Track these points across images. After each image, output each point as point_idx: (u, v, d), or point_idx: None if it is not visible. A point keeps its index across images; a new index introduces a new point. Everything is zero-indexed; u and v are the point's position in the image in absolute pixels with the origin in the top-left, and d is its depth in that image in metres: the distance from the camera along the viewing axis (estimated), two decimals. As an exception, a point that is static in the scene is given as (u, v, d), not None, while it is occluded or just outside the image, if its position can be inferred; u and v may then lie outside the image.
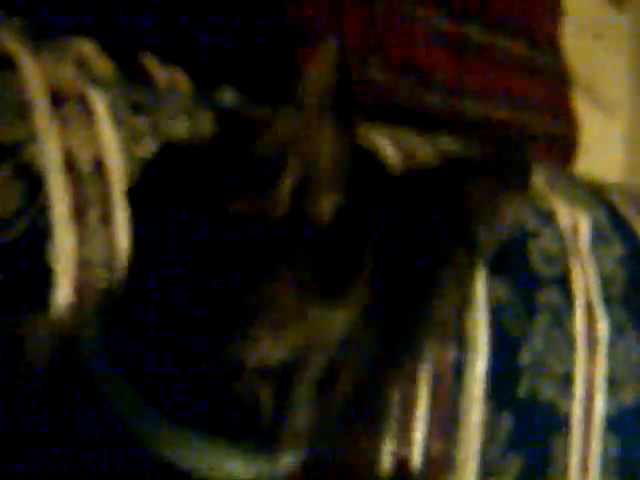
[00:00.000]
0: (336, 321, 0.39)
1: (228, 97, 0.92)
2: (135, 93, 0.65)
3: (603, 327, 0.84)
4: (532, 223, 0.83)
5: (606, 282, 0.86)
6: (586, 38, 1.67)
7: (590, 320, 0.84)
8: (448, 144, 1.13)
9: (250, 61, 1.02)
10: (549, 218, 0.85)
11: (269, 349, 0.39)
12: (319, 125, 0.40)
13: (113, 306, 0.42)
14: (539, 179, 0.90)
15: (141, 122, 0.63)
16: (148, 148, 0.62)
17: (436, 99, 1.18)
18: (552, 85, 1.35)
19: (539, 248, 0.82)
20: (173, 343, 0.40)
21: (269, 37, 1.04)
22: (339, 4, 1.08)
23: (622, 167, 1.76)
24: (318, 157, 0.40)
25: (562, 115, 1.35)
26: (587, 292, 0.84)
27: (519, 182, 0.44)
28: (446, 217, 0.42)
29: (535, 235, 0.83)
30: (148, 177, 0.43)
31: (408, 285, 0.41)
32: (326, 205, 0.40)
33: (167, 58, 0.90)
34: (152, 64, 0.88)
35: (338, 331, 0.39)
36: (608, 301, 0.86)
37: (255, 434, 0.40)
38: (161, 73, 0.87)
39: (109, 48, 0.84)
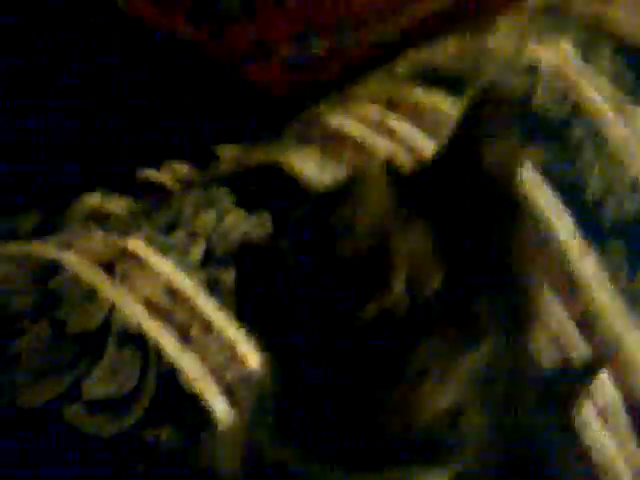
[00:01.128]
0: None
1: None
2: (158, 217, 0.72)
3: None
4: (522, 83, 0.86)
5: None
6: None
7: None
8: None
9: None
10: (534, 69, 0.88)
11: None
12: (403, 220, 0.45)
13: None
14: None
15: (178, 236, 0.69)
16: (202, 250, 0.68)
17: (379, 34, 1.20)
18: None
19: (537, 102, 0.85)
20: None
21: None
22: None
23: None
24: (415, 247, 0.44)
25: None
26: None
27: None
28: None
29: (528, 92, 0.86)
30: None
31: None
32: (437, 281, 0.44)
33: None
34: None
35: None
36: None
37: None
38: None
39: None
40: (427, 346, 0.44)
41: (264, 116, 1.09)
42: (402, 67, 1.10)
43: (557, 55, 0.90)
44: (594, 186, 0.83)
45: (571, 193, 0.82)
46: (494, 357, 0.46)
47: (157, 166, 0.95)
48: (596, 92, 0.87)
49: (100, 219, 0.75)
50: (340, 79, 1.14)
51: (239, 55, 1.07)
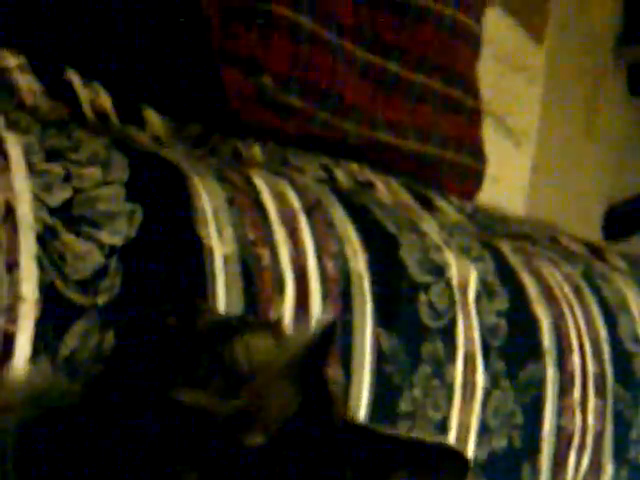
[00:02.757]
0: None
1: (152, 124, 0.94)
2: (51, 137, 0.67)
3: (481, 378, 0.90)
4: (424, 276, 0.88)
5: (488, 334, 0.92)
6: (503, 68, 1.73)
7: (469, 371, 0.89)
8: (357, 172, 1.18)
9: (173, 81, 1.05)
10: (440, 271, 0.90)
11: None
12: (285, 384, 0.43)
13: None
14: (434, 230, 0.95)
15: (56, 169, 0.65)
16: (61, 196, 0.64)
17: (352, 128, 1.22)
18: (464, 119, 1.40)
19: (428, 301, 0.87)
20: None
21: (194, 58, 1.07)
22: (266, 29, 1.11)
23: (529, 195, 1.84)
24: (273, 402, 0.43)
25: (470, 148, 1.41)
26: (469, 344, 0.90)
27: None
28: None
29: (425, 288, 0.88)
30: None
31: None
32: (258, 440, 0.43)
33: (89, 74, 0.92)
34: (76, 81, 0.90)
35: None
36: (487, 352, 0.91)
37: None
38: (84, 92, 0.90)
39: (33, 61, 0.86)
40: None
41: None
42: (345, 178, 1.10)
43: (461, 276, 0.92)
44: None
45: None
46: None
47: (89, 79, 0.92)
48: (465, 333, 0.89)
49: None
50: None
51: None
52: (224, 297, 0.70)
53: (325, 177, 1.09)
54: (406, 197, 1.12)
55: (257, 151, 1.05)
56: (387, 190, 1.13)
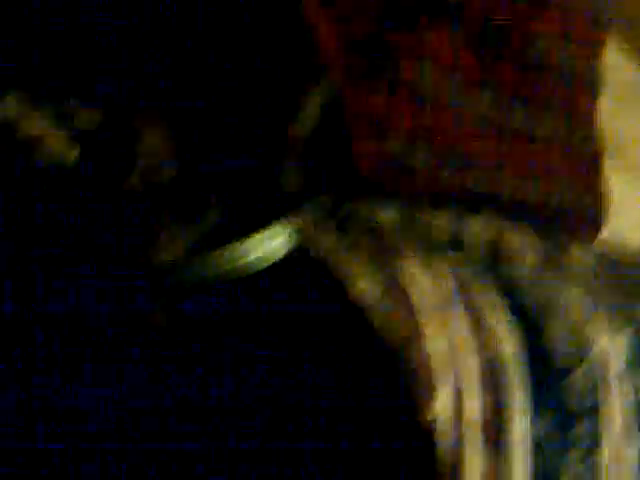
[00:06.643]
0: None
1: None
2: None
3: (630, 454, 0.89)
4: (568, 359, 0.87)
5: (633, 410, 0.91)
6: (617, 104, 1.69)
7: (617, 449, 0.88)
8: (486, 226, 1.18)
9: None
10: (585, 351, 0.89)
11: None
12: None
13: None
14: (578, 301, 0.94)
15: None
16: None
17: (477, 181, 1.21)
18: (586, 161, 1.38)
19: (573, 382, 0.87)
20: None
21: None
22: (390, 90, 1.11)
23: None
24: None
25: (592, 190, 1.39)
26: (615, 423, 0.89)
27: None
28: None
29: (570, 371, 0.87)
30: None
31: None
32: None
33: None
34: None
35: None
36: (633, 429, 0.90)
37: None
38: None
39: None
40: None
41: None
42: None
43: (606, 349, 0.91)
44: None
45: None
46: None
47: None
48: (611, 412, 0.88)
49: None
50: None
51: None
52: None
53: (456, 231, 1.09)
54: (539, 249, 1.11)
55: (390, 214, 1.05)
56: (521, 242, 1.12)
